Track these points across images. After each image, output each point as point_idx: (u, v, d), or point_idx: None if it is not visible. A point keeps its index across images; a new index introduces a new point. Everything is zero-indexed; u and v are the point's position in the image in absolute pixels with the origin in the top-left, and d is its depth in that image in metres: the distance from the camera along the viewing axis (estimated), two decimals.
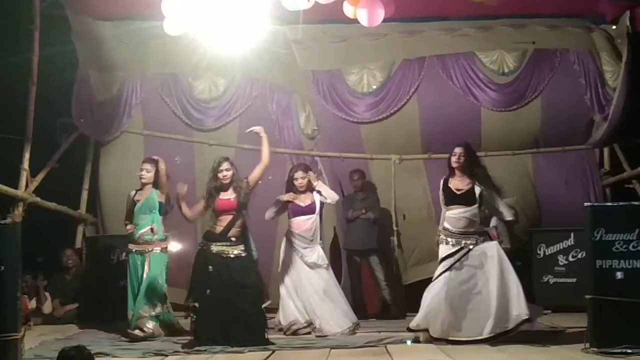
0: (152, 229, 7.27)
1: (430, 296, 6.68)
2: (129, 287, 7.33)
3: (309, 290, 7.40)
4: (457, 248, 6.66)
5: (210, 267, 6.70)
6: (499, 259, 6.60)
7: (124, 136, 9.51)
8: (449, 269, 6.64)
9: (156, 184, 7.33)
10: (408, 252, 9.59)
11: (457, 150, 6.80)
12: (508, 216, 6.96)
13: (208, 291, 6.67)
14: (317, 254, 7.50)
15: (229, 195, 6.81)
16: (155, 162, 7.36)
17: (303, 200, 7.56)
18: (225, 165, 6.86)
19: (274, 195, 7.71)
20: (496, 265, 6.56)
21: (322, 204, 7.59)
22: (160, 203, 7.34)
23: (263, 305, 6.91)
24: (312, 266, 7.45)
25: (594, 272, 6.27)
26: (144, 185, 7.37)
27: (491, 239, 6.80)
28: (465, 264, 6.63)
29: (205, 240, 6.83)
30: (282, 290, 7.50)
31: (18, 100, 7.98)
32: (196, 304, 6.68)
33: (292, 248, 7.52)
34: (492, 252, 6.63)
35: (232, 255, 6.73)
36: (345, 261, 9.14)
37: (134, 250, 7.29)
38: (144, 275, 7.18)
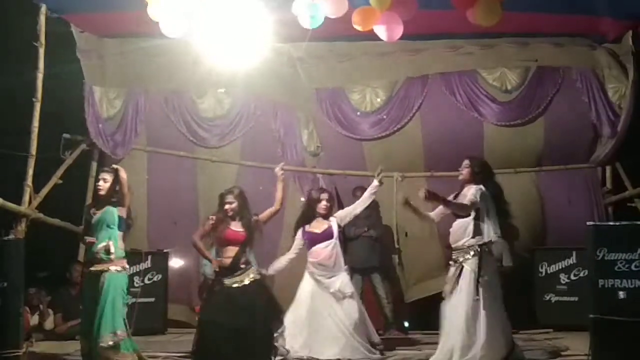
0: (107, 247, 6.35)
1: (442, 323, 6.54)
2: (82, 314, 6.53)
3: (329, 326, 7.03)
4: (453, 269, 6.53)
5: (226, 303, 6.37)
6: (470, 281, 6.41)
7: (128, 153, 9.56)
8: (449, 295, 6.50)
9: (116, 195, 6.51)
10: (410, 270, 9.60)
11: (464, 163, 6.76)
12: (487, 237, 6.54)
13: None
14: (341, 280, 7.18)
15: (238, 228, 6.54)
16: (114, 172, 6.59)
17: (318, 227, 7.28)
18: (229, 198, 6.59)
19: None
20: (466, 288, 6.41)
21: (339, 227, 7.33)
22: (119, 217, 6.48)
23: (280, 330, 6.62)
24: (338, 296, 7.12)
25: (596, 291, 6.28)
26: (101, 197, 6.56)
27: (481, 255, 6.52)
28: (462, 282, 6.45)
29: (217, 276, 6.52)
30: (290, 322, 6.98)
31: (22, 116, 8.01)
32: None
33: (313, 280, 7.17)
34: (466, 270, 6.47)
35: (247, 282, 6.44)
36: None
37: (88, 272, 6.45)
38: (102, 300, 6.27)
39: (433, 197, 6.59)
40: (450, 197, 6.71)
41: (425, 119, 9.59)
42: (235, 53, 6.81)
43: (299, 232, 7.31)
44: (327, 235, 7.22)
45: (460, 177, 6.73)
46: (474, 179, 6.66)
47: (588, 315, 6.30)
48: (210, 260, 6.72)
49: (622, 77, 8.96)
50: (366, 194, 7.48)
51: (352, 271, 9.01)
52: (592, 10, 8.14)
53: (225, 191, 6.68)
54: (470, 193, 6.54)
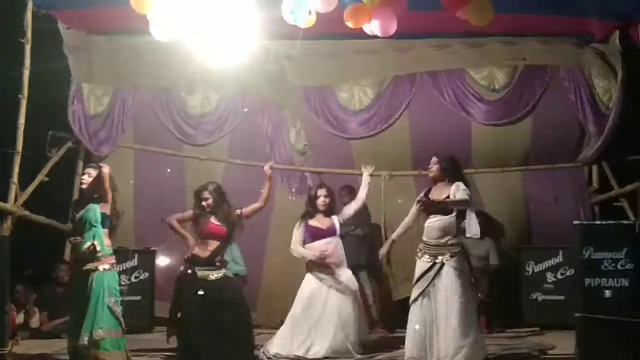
0: (92, 246, 6.29)
1: (414, 324, 6.47)
2: (71, 314, 6.50)
3: (323, 320, 7.03)
4: (430, 263, 6.48)
5: (200, 292, 6.53)
6: (450, 281, 6.40)
7: (115, 150, 9.48)
8: (422, 293, 6.45)
9: (98, 191, 6.44)
10: (397, 268, 9.59)
11: (432, 160, 6.75)
12: (468, 234, 6.62)
13: (179, 315, 6.57)
14: (346, 276, 7.20)
15: (219, 222, 6.69)
16: (99, 168, 6.54)
17: (323, 223, 7.27)
18: (205, 194, 6.75)
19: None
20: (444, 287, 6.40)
21: (341, 225, 7.34)
22: (102, 215, 6.39)
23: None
24: (343, 291, 7.13)
25: (582, 290, 6.31)
26: (84, 191, 6.57)
27: (463, 253, 6.56)
28: (437, 282, 6.43)
29: (190, 264, 6.64)
30: (289, 323, 7.12)
31: (8, 113, 7.95)
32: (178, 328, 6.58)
33: (315, 279, 7.15)
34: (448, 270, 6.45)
35: (213, 278, 6.59)
36: None
37: (77, 271, 6.40)
38: (92, 299, 6.22)
39: (429, 204, 6.59)
40: (421, 196, 6.73)
41: (413, 118, 9.58)
42: (224, 50, 6.79)
43: (301, 226, 7.26)
44: (331, 231, 7.23)
45: (431, 175, 6.72)
46: (444, 175, 6.65)
47: (574, 314, 6.32)
48: (185, 238, 6.75)
49: (609, 75, 8.96)
50: (362, 192, 7.48)
51: None
52: (579, 11, 8.15)
53: (200, 187, 6.81)
54: (461, 189, 6.52)
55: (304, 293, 7.17)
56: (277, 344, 7.07)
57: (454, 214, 6.53)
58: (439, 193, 6.66)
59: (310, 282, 7.18)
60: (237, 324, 6.52)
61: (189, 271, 6.60)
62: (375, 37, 7.05)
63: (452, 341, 6.26)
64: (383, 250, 7.01)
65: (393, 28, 6.73)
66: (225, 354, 6.41)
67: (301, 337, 6.99)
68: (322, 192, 7.34)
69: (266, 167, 7.04)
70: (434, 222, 6.58)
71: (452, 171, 6.69)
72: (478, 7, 6.52)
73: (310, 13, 6.59)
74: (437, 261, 6.46)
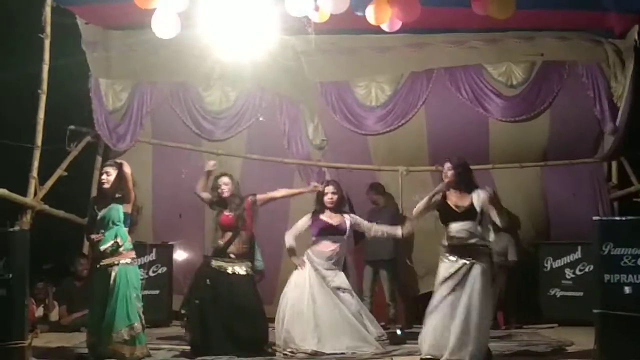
0: (115, 243, 6.36)
1: (435, 322, 6.34)
2: (92, 311, 6.51)
3: (336, 317, 6.93)
4: (458, 265, 6.33)
5: (207, 281, 6.69)
6: (476, 282, 6.27)
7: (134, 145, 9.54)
8: (450, 292, 6.31)
9: (120, 191, 6.47)
10: (416, 264, 9.62)
11: (446, 165, 6.54)
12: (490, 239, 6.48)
13: (197, 301, 6.68)
14: (340, 279, 7.09)
15: (229, 212, 6.80)
16: (118, 166, 6.51)
17: (333, 219, 7.13)
18: (225, 179, 6.86)
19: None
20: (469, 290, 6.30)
21: (352, 227, 7.22)
22: (125, 214, 6.47)
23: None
24: (337, 291, 7.02)
25: (601, 286, 6.27)
26: (105, 191, 6.55)
27: (490, 255, 6.46)
28: (465, 282, 6.29)
29: (211, 254, 6.85)
30: (290, 311, 6.96)
31: (28, 108, 8.01)
32: (186, 313, 6.83)
33: (313, 269, 7.03)
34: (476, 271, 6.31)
35: (229, 272, 6.70)
36: (363, 271, 9.21)
37: (97, 266, 6.42)
38: (114, 293, 6.26)
39: (453, 213, 6.53)
40: (430, 198, 6.58)
41: (430, 114, 9.57)
42: (241, 45, 6.80)
43: (310, 219, 7.19)
44: (340, 229, 7.12)
45: (446, 180, 6.56)
46: (458, 181, 6.54)
47: (593, 310, 6.29)
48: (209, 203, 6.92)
49: (624, 73, 8.91)
50: (386, 231, 7.31)
51: (365, 264, 9.10)
52: (598, 5, 8.10)
53: (220, 174, 6.92)
54: (482, 198, 6.43)
55: (300, 279, 7.06)
56: (288, 337, 6.92)
57: (479, 217, 6.43)
58: (459, 200, 6.52)
59: (302, 274, 7.08)
60: (245, 320, 6.60)
61: (207, 261, 6.81)
62: (393, 32, 7.03)
63: (463, 336, 6.22)
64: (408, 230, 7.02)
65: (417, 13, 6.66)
66: (235, 345, 6.51)
67: (308, 334, 6.87)
68: (329, 189, 7.23)
69: (312, 187, 7.23)
70: (460, 227, 6.43)
71: (466, 176, 6.57)
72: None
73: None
74: (466, 262, 6.35)
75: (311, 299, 6.95)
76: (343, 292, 7.06)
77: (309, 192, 7.28)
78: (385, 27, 6.70)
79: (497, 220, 6.46)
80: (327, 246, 7.08)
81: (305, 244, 7.24)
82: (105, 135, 9.15)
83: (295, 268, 7.12)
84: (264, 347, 6.78)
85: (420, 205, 6.57)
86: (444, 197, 6.52)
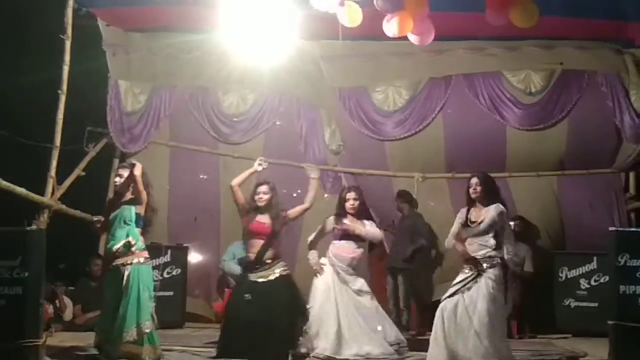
0: (128, 242, 6.29)
1: (439, 325, 6.34)
2: (104, 311, 6.43)
3: (356, 317, 6.91)
4: (466, 275, 6.34)
5: (247, 296, 6.44)
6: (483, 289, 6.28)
7: (150, 146, 9.54)
8: (454, 294, 6.35)
9: (133, 192, 6.40)
10: (433, 270, 9.60)
11: (473, 181, 6.51)
12: (505, 254, 6.39)
13: (246, 296, 6.46)
14: (360, 282, 7.08)
15: (264, 220, 6.58)
16: (131, 167, 6.43)
17: (354, 223, 7.11)
18: (263, 188, 6.65)
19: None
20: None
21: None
22: (137, 214, 6.39)
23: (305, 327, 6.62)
24: (358, 293, 7.01)
25: (617, 297, 6.24)
26: (118, 192, 6.52)
27: (503, 267, 6.38)
28: (472, 288, 6.30)
29: (243, 272, 6.68)
30: (316, 318, 6.84)
31: (48, 108, 8.08)
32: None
33: (334, 272, 7.01)
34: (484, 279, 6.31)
35: (272, 278, 6.49)
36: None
37: (110, 266, 6.33)
38: (127, 292, 6.18)
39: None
40: (462, 218, 6.59)
41: (448, 120, 9.55)
42: (260, 49, 6.82)
43: (333, 222, 7.14)
44: (360, 237, 7.12)
45: (473, 196, 6.56)
46: (485, 196, 6.54)
47: (608, 322, 6.25)
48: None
49: None
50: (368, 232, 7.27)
51: (387, 270, 9.21)
52: (619, 15, 8.07)
53: (261, 181, 6.74)
54: (491, 213, 6.42)
55: (322, 284, 7.02)
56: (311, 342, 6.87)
57: (492, 234, 6.42)
58: (476, 214, 6.52)
59: (327, 272, 7.03)
60: (283, 323, 6.40)
61: (242, 277, 6.66)
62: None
63: (473, 345, 6.21)
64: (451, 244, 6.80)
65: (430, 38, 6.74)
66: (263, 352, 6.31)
67: (332, 336, 6.89)
68: (351, 195, 7.22)
69: (313, 173, 6.96)
70: (472, 240, 6.46)
71: (492, 191, 6.57)
72: (524, 8, 6.46)
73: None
74: (474, 273, 6.38)
75: (335, 303, 6.92)
76: (364, 295, 7.05)
77: (316, 179, 6.98)
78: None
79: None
80: (349, 251, 7.07)
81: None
82: (117, 136, 9.16)
83: (315, 275, 7.09)
84: (286, 354, 6.50)
85: (452, 233, 6.59)
86: (468, 211, 6.53)
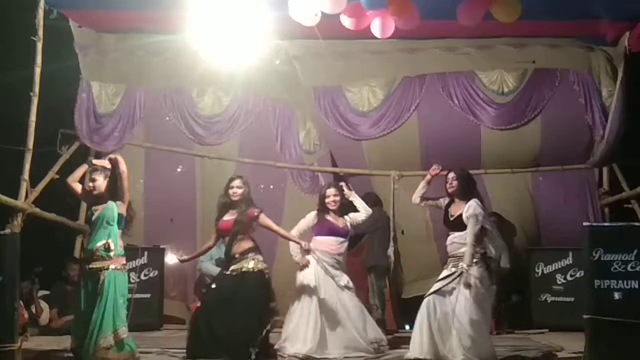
0: (107, 245, 6.18)
1: (421, 322, 6.47)
2: (77, 314, 6.35)
3: (340, 314, 6.97)
4: (449, 272, 6.48)
5: (213, 285, 6.64)
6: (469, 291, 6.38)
7: (125, 148, 9.43)
8: (436, 291, 6.47)
9: (114, 190, 6.29)
10: (406, 268, 9.63)
11: (450, 175, 6.69)
12: (488, 251, 6.58)
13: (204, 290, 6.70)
14: (346, 278, 7.14)
15: (230, 217, 6.70)
16: (104, 169, 6.34)
17: (337, 220, 7.21)
18: (237, 182, 6.76)
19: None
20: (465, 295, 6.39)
21: (352, 228, 7.32)
22: (119, 215, 6.27)
23: (267, 327, 6.65)
24: (343, 289, 7.07)
25: (592, 292, 6.30)
26: (97, 196, 6.37)
27: (487, 263, 6.51)
28: (455, 286, 6.41)
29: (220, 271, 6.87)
30: (296, 315, 6.98)
31: (20, 110, 7.99)
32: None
33: (320, 268, 7.04)
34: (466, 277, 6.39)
35: (243, 270, 6.60)
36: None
37: (87, 268, 6.21)
38: (103, 298, 6.08)
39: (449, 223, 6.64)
40: (442, 205, 6.77)
41: (423, 119, 9.57)
42: (234, 50, 6.81)
43: (316, 218, 7.20)
44: (344, 231, 7.21)
45: (450, 190, 6.67)
46: (463, 190, 6.61)
47: (583, 316, 6.31)
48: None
49: (615, 80, 8.92)
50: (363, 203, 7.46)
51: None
52: (591, 13, 8.11)
53: (234, 176, 6.88)
54: (472, 207, 6.48)
55: (308, 279, 7.05)
56: (293, 345, 6.89)
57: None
58: (455, 210, 6.62)
59: (313, 267, 7.07)
60: (243, 317, 6.46)
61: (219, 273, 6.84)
62: (386, 37, 7.07)
63: (456, 341, 6.26)
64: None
65: (391, 30, 6.77)
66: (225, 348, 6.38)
67: (311, 333, 6.88)
68: (331, 191, 7.29)
69: (305, 245, 7.00)
70: (453, 238, 6.57)
71: (470, 187, 6.67)
72: (507, 2, 6.52)
73: (316, 15, 6.59)
74: (457, 269, 6.43)
75: (317, 300, 6.95)
76: (348, 291, 7.10)
77: (301, 245, 7.03)
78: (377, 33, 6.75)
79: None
80: (333, 247, 7.14)
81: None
82: (86, 137, 9.01)
83: (298, 270, 7.12)
84: (246, 349, 6.50)
85: (417, 190, 6.92)
86: (448, 205, 6.61)
